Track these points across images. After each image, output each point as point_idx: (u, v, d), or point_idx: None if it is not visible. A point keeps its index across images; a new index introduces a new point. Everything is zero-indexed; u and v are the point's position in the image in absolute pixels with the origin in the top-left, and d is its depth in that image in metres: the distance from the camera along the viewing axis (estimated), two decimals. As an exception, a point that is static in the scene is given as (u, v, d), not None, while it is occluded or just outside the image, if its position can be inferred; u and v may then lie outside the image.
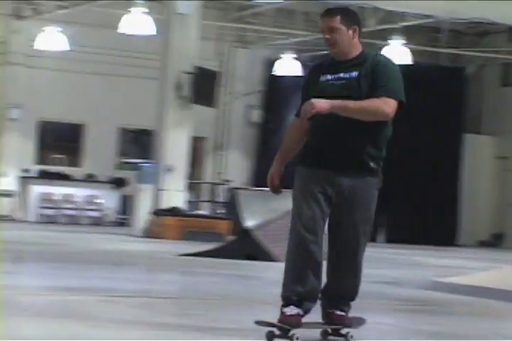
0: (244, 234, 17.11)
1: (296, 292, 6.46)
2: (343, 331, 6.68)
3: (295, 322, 6.38)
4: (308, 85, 6.72)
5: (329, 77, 6.57)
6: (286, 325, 6.32)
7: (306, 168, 6.61)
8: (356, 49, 6.60)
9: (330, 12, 6.58)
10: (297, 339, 6.29)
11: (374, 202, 6.70)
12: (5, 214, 27.65)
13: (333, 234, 6.68)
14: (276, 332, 6.32)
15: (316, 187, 6.52)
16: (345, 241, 6.64)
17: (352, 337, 6.63)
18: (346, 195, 6.56)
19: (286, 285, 6.49)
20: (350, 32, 6.51)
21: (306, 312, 6.50)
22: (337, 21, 6.48)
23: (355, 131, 6.58)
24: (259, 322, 6.42)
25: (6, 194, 28.27)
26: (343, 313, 6.68)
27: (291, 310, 6.42)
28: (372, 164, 6.65)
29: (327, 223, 6.62)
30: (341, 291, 6.74)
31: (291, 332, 6.31)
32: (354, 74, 6.50)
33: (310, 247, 6.47)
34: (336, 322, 6.67)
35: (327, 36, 6.52)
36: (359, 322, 6.84)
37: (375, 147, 6.68)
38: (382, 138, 6.70)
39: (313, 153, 6.60)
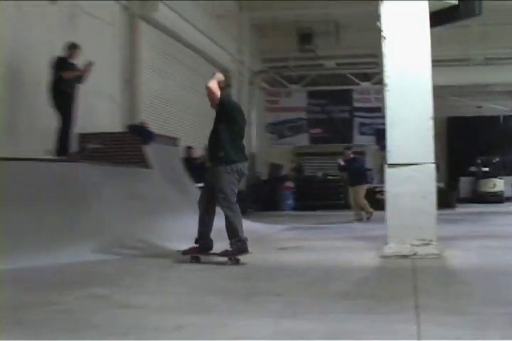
0: None
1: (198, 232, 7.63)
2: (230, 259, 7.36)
3: (187, 251, 7.55)
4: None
5: None
6: (182, 253, 7.57)
7: None
8: None
9: None
10: (188, 259, 7.54)
11: (224, 181, 7.42)
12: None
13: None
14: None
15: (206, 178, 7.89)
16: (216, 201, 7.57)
17: (227, 262, 7.30)
18: (211, 179, 7.57)
19: None
20: None
21: (201, 245, 7.55)
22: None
23: (213, 133, 7.64)
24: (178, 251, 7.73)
25: None
26: (229, 248, 7.40)
27: (192, 245, 7.60)
28: (220, 153, 7.48)
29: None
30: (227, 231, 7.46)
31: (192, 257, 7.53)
32: None
33: (198, 207, 7.64)
34: (221, 253, 7.44)
35: None
36: (236, 252, 7.38)
37: (223, 140, 7.47)
38: (225, 134, 7.49)
39: None
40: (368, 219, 15.26)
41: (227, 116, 7.59)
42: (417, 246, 7.63)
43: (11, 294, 5.36)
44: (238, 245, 7.40)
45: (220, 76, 7.71)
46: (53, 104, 10.21)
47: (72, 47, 10.58)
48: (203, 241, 7.57)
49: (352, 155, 15.92)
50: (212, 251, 7.64)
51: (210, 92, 7.54)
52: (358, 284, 6.07)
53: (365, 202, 15.48)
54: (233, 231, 7.42)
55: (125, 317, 4.47)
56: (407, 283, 5.86)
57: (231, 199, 7.47)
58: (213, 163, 7.62)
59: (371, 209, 15.37)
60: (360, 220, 15.37)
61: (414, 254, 7.60)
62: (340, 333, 3.97)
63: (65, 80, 10.20)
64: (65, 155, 10.23)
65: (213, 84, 7.56)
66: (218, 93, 7.53)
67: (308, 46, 25.21)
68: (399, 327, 4.07)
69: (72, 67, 10.44)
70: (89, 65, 10.52)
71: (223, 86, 7.71)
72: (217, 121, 7.63)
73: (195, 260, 7.58)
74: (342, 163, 15.76)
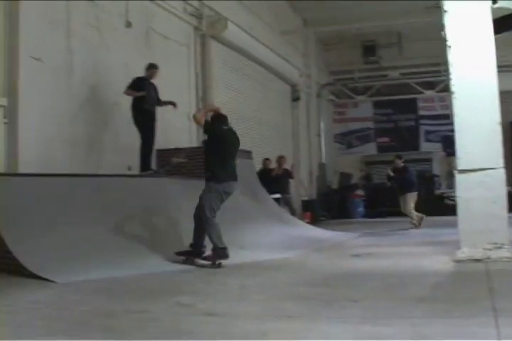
0: None
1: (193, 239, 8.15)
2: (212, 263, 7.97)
3: (180, 253, 8.10)
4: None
5: None
6: (176, 253, 8.08)
7: None
8: None
9: None
10: (184, 260, 8.09)
11: (206, 197, 8.02)
12: None
13: None
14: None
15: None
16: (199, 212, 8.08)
17: (208, 265, 7.93)
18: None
19: None
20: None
21: (193, 250, 8.09)
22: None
23: (204, 155, 8.29)
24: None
25: None
26: (209, 253, 8.02)
27: (186, 248, 8.13)
28: (208, 173, 8.12)
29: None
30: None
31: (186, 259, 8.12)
32: None
33: (194, 219, 8.13)
34: (203, 257, 8.07)
35: None
36: (215, 258, 7.98)
37: (211, 162, 8.12)
38: (212, 157, 8.13)
39: None
40: (416, 226, 14.87)
41: (212, 140, 8.21)
42: (490, 250, 7.49)
43: (101, 302, 5.46)
44: (218, 252, 7.98)
45: (209, 105, 8.49)
46: (135, 122, 10.41)
47: (151, 67, 10.78)
48: (196, 247, 8.15)
49: (402, 164, 15.45)
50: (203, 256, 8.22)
51: (194, 120, 8.34)
52: (433, 288, 5.98)
53: (412, 211, 14.95)
54: (213, 243, 8.01)
55: (210, 324, 4.50)
56: (482, 286, 5.76)
57: (208, 214, 8.00)
58: (205, 180, 8.25)
59: (415, 220, 14.92)
60: (421, 219, 15.00)
61: (487, 258, 7.46)
62: (420, 337, 3.92)
63: (146, 99, 10.39)
64: (148, 171, 10.41)
65: (197, 114, 8.34)
66: (202, 121, 8.14)
67: (373, 58, 25.11)
68: (478, 331, 4.00)
69: (151, 86, 10.63)
70: (172, 104, 10.92)
71: (215, 114, 8.37)
72: (207, 144, 8.31)
73: (190, 262, 8.13)
74: (391, 173, 15.31)
